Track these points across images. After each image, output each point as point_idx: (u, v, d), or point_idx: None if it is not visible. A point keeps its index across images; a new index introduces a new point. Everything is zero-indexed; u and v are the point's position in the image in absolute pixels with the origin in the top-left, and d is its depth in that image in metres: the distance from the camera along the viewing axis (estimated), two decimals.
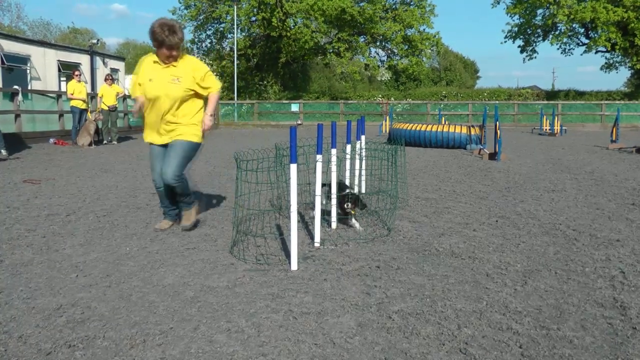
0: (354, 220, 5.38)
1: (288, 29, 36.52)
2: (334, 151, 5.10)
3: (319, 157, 4.58)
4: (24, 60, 23.60)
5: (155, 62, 5.05)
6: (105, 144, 16.76)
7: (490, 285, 3.70)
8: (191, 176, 5.49)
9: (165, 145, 5.13)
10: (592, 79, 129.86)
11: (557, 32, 38.10)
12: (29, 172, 9.58)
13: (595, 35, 36.40)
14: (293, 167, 4.05)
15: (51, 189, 7.67)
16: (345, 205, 5.34)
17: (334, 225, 5.36)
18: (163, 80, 4.98)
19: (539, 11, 37.75)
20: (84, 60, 27.24)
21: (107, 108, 16.79)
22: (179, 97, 4.99)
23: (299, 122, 30.51)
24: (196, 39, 40.14)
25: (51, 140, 16.31)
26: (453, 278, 3.86)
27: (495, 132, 12.50)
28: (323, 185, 4.98)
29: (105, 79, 17.37)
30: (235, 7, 34.49)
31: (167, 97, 4.96)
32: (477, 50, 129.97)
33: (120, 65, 31.52)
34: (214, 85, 5.17)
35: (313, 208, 5.22)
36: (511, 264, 4.18)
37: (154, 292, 3.57)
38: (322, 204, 4.95)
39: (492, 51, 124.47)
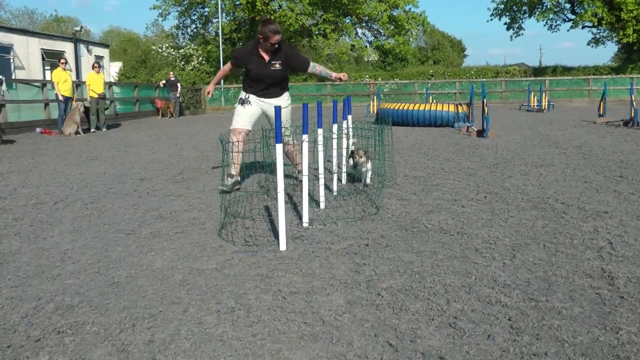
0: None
1: (272, 12, 36.22)
2: (320, 131, 5.08)
3: (305, 137, 4.56)
4: (7, 49, 23.33)
5: None
6: (93, 131, 16.65)
7: (479, 260, 3.71)
8: None
9: None
10: (579, 54, 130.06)
11: (543, 8, 38.06)
12: (16, 161, 9.49)
13: (582, 10, 36.39)
14: (279, 147, 4.03)
15: (38, 178, 7.60)
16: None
17: (322, 205, 5.35)
18: None
19: None
20: (67, 48, 27.01)
21: (96, 96, 16.70)
22: None
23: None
24: (181, 25, 39.84)
25: (38, 129, 16.18)
26: (442, 254, 3.87)
27: (483, 110, 12.51)
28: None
29: (93, 67, 17.27)
30: None
31: None
32: (463, 29, 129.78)
33: (104, 52, 31.27)
34: None
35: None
36: (500, 239, 4.19)
37: (142, 276, 3.56)
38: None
39: (479, 29, 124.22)
